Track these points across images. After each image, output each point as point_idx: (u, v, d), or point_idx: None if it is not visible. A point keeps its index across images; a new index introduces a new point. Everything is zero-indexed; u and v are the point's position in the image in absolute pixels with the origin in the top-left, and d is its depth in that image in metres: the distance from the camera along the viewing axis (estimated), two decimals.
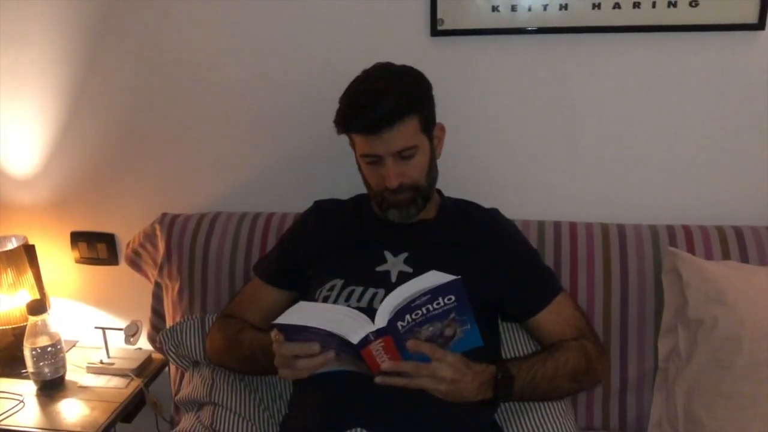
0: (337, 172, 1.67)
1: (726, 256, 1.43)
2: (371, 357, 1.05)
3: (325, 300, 1.28)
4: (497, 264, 1.32)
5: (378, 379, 1.09)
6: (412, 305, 1.03)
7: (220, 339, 1.37)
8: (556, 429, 1.30)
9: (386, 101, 1.21)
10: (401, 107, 1.22)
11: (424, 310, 1.04)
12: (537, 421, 1.31)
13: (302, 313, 1.08)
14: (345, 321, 1.04)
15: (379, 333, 1.03)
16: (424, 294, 1.02)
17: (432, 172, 1.33)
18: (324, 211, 1.45)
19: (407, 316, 1.04)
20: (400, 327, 1.04)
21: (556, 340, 1.31)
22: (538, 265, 1.39)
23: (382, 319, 1.03)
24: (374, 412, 1.14)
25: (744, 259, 1.42)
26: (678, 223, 1.51)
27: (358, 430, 1.10)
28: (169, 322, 1.66)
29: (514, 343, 1.39)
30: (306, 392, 1.26)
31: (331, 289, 1.29)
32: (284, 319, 1.08)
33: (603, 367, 1.33)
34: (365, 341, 1.03)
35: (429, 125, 1.30)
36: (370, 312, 1.23)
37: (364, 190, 1.39)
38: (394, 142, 1.23)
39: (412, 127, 1.24)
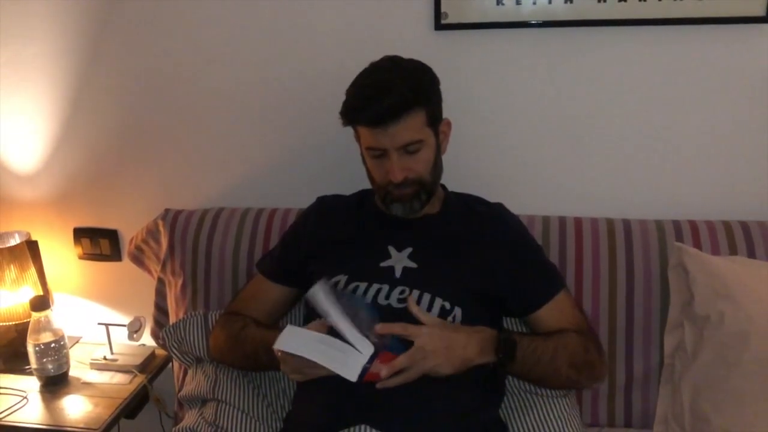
0: (340, 167, 1.66)
1: (733, 251, 1.42)
2: (372, 375, 1.08)
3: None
4: (500, 259, 1.31)
5: (379, 385, 1.09)
6: (356, 310, 1.08)
7: (223, 337, 1.37)
8: (560, 425, 1.29)
9: (393, 94, 1.19)
10: (408, 100, 1.20)
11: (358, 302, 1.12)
12: (542, 417, 1.30)
13: (296, 340, 1.10)
14: (338, 357, 1.05)
15: (371, 358, 1.04)
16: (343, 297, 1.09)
17: (437, 167, 1.32)
18: (327, 206, 1.44)
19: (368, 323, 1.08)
20: (374, 338, 1.06)
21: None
22: (541, 260, 1.38)
23: (366, 345, 1.05)
24: (379, 409, 1.14)
25: (751, 254, 1.41)
26: (684, 218, 1.50)
27: (363, 427, 1.10)
28: (172, 318, 1.65)
29: None
30: (310, 389, 1.26)
31: (335, 284, 1.28)
32: (281, 345, 1.10)
33: (601, 365, 1.31)
34: (364, 372, 1.05)
35: (435, 120, 1.28)
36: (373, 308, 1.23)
37: (367, 186, 1.38)
38: (400, 135, 1.22)
39: (418, 121, 1.23)
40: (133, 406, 1.66)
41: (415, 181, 1.27)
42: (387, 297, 1.24)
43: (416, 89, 1.23)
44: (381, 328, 1.09)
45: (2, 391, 1.66)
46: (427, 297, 1.24)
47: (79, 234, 1.89)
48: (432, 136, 1.27)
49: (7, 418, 1.56)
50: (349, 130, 1.32)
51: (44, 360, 1.65)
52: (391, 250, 1.31)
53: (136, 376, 1.72)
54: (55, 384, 1.68)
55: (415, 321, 1.20)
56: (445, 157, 1.35)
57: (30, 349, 1.64)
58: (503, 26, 1.53)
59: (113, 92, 1.76)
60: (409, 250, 1.30)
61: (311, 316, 1.32)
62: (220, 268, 1.60)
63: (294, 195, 1.67)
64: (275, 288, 1.41)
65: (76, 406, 1.61)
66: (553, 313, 1.31)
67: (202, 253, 1.61)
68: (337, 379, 1.18)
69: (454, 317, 1.23)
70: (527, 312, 1.33)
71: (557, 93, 1.57)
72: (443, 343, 1.12)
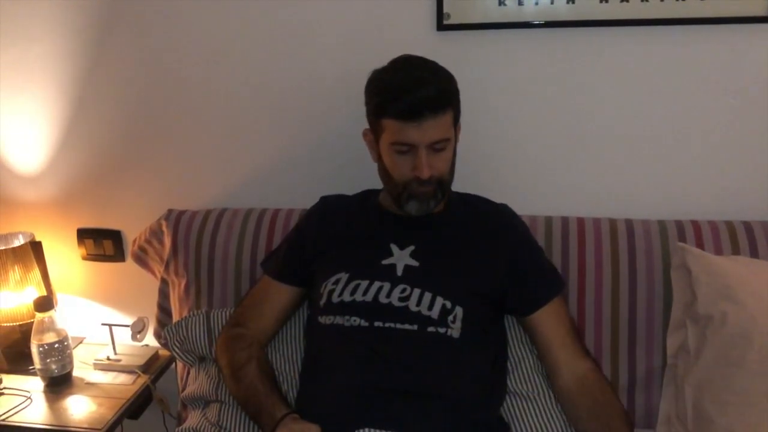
0: (343, 168, 1.67)
1: (735, 251, 1.42)
2: None
3: (330, 294, 1.28)
4: (501, 258, 1.31)
5: None
6: None
7: (225, 361, 1.34)
8: (563, 426, 1.29)
9: (430, 87, 1.20)
10: (445, 96, 1.22)
11: None
12: (545, 418, 1.30)
13: None
14: None
15: None
16: None
17: (453, 167, 1.31)
18: (330, 206, 1.44)
19: None
20: None
21: (551, 345, 1.29)
22: (541, 262, 1.38)
23: None
24: (381, 410, 1.14)
25: (754, 254, 1.41)
26: (687, 219, 1.50)
27: (366, 430, 1.10)
28: (175, 319, 1.65)
29: (521, 338, 1.38)
30: (313, 392, 1.26)
31: (336, 282, 1.29)
32: None
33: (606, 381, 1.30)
34: None
35: (456, 121, 1.29)
36: (375, 305, 1.23)
37: (370, 186, 1.38)
38: (432, 131, 1.21)
39: (448, 119, 1.23)
40: (136, 406, 1.67)
41: (436, 180, 1.26)
42: (388, 295, 1.24)
43: (449, 87, 1.24)
44: None
45: (6, 391, 1.66)
46: (428, 296, 1.24)
47: (83, 235, 1.89)
48: (454, 136, 1.28)
49: (11, 418, 1.57)
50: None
51: (48, 360, 1.65)
52: (393, 247, 1.31)
53: (139, 376, 1.72)
54: (59, 384, 1.68)
55: (415, 318, 1.21)
56: None
57: (34, 349, 1.64)
58: (505, 27, 1.53)
59: (117, 93, 1.77)
60: (411, 248, 1.30)
61: (313, 319, 1.33)
62: (223, 268, 1.60)
63: (297, 195, 1.67)
64: (281, 288, 1.41)
65: (79, 407, 1.61)
66: (549, 318, 1.31)
67: (205, 253, 1.61)
68: (339, 382, 1.19)
69: (455, 316, 1.23)
70: (525, 313, 1.33)
71: (559, 93, 1.57)
72: None
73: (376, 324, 1.22)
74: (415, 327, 1.21)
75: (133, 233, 1.81)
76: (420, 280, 1.26)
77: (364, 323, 1.23)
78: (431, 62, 1.28)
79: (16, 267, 1.71)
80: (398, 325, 1.22)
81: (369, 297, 1.24)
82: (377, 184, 1.36)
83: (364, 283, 1.27)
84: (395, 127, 1.22)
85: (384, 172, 1.31)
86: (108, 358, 1.77)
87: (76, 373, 1.73)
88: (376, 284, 1.26)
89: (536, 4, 1.51)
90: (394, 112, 1.21)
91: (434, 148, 1.23)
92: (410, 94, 1.19)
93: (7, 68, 1.79)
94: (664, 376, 1.42)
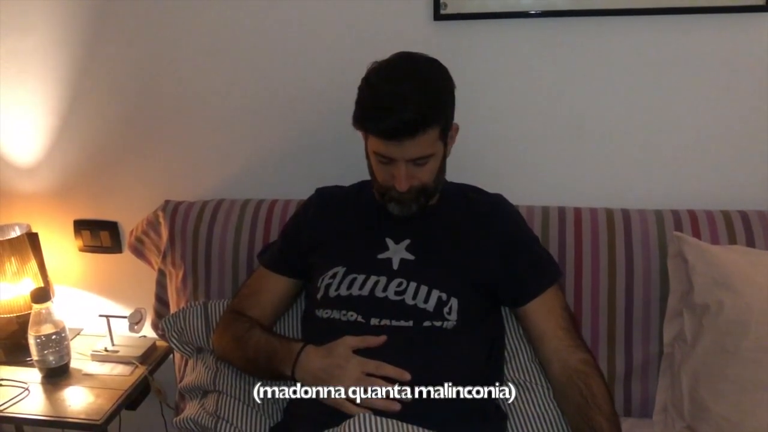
0: (339, 159, 1.67)
1: (732, 240, 1.42)
2: None
3: (328, 288, 1.28)
4: (495, 248, 1.31)
5: None
6: None
7: (228, 337, 1.35)
8: (560, 415, 1.29)
9: (410, 109, 1.15)
10: (426, 118, 1.16)
11: None
12: (541, 407, 1.31)
13: None
14: None
15: None
16: None
17: (441, 173, 1.30)
18: (326, 198, 1.44)
19: None
20: None
21: (543, 336, 1.28)
22: (535, 252, 1.36)
23: None
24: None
25: (750, 243, 1.41)
26: (683, 208, 1.50)
27: (362, 414, 1.10)
28: (173, 310, 1.65)
29: (518, 327, 1.39)
30: None
31: (333, 276, 1.29)
32: None
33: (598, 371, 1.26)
34: None
35: (447, 130, 1.25)
36: (372, 300, 1.22)
37: (366, 177, 1.38)
38: (414, 149, 1.19)
39: (432, 137, 1.20)
40: (134, 397, 1.67)
41: (417, 188, 1.26)
42: (384, 289, 1.24)
43: (435, 105, 1.19)
44: None
45: (4, 382, 1.66)
46: (424, 289, 1.24)
47: (80, 226, 1.89)
48: (442, 147, 1.25)
49: (8, 410, 1.57)
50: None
51: (45, 352, 1.66)
52: (389, 242, 1.31)
53: (137, 367, 1.72)
54: (57, 376, 1.69)
55: (411, 313, 1.21)
56: None
57: (31, 341, 1.64)
58: (503, 16, 1.53)
59: (112, 84, 1.76)
60: (407, 242, 1.30)
61: (310, 311, 1.33)
62: (220, 259, 1.60)
63: (294, 186, 1.67)
64: (278, 280, 1.41)
65: (77, 398, 1.61)
66: (541, 309, 1.29)
67: (202, 244, 1.61)
68: None
69: (450, 308, 1.23)
70: (517, 303, 1.32)
71: (557, 83, 1.57)
72: None
73: (372, 322, 1.22)
74: (411, 323, 1.21)
75: (130, 224, 1.80)
76: (416, 273, 1.26)
77: (360, 320, 1.23)
78: (425, 69, 1.23)
79: (12, 258, 1.71)
80: (393, 323, 1.21)
81: (365, 291, 1.24)
82: None
83: (361, 278, 1.27)
84: (376, 140, 1.21)
85: (370, 170, 1.31)
86: (105, 350, 1.77)
87: (73, 364, 1.73)
88: (373, 278, 1.26)
89: None
90: (375, 131, 1.20)
91: (415, 163, 1.21)
92: (389, 115, 1.15)
93: (2, 59, 1.78)
94: (661, 364, 1.42)
